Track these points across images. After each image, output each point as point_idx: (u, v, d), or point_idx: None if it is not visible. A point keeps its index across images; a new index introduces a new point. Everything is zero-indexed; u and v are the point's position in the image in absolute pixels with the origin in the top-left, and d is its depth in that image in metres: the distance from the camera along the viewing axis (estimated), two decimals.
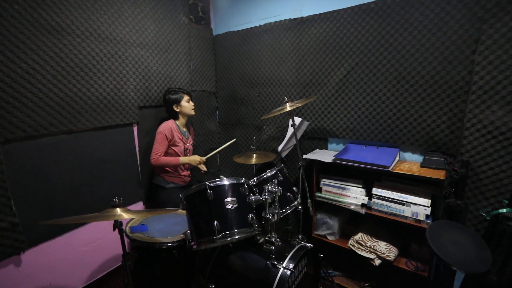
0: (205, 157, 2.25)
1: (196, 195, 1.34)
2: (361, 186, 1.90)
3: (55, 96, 1.66)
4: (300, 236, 2.01)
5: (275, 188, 1.47)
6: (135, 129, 2.18)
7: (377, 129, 1.98)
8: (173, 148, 2.16)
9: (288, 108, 1.87)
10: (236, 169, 2.98)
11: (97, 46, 1.84)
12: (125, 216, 1.17)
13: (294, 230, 2.28)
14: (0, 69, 1.43)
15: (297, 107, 2.29)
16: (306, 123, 2.24)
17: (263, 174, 1.65)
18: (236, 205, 1.31)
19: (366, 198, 1.86)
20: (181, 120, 2.24)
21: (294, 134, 1.95)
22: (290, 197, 1.66)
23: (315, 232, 2.14)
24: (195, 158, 2.17)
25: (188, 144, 2.27)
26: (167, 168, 2.16)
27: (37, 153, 1.61)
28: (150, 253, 1.45)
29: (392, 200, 1.72)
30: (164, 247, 1.45)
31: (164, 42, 2.32)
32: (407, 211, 1.67)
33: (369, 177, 1.90)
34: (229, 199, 1.31)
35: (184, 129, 2.28)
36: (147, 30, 2.17)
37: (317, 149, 2.29)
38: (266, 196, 1.40)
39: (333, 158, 1.91)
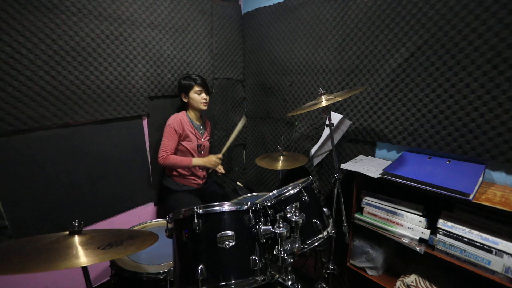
0: (221, 153, 1.91)
1: (182, 222, 0.99)
2: (420, 213, 1.37)
3: (47, 85, 1.45)
4: (331, 267, 1.58)
5: (296, 215, 1.06)
6: (145, 122, 1.92)
7: (450, 134, 1.41)
8: (185, 144, 1.86)
9: (324, 103, 1.40)
10: (259, 173, 2.60)
11: (98, 27, 1.58)
12: (86, 261, 0.82)
13: (324, 255, 1.84)
14: None
15: (336, 102, 1.80)
16: (347, 123, 1.74)
17: (283, 191, 1.25)
18: (233, 243, 0.93)
19: (428, 231, 1.33)
20: (192, 113, 1.92)
21: (330, 136, 1.48)
22: (317, 225, 1.23)
23: (351, 262, 1.68)
24: (210, 159, 1.84)
25: (203, 140, 1.96)
26: (178, 169, 1.89)
27: (27, 149, 1.43)
28: (134, 285, 1.17)
29: (471, 242, 1.18)
30: (154, 277, 1.15)
31: (181, 21, 1.99)
32: (495, 263, 1.12)
33: (434, 203, 1.36)
34: (224, 233, 0.93)
35: (198, 123, 1.96)
36: (159, 8, 1.85)
37: (361, 156, 1.79)
38: (281, 230, 1.00)
39: (383, 172, 1.41)
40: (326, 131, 1.87)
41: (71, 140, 1.59)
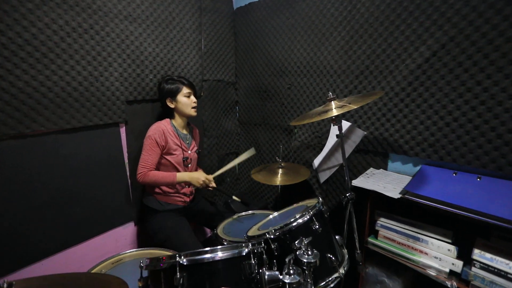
0: (213, 175, 1.65)
1: (160, 274, 0.74)
2: (449, 241, 1.16)
3: None
4: None
5: (308, 254, 0.83)
6: (122, 130, 1.65)
7: (481, 147, 1.21)
8: (168, 157, 1.59)
9: (335, 111, 1.18)
10: (254, 184, 2.36)
11: (61, 16, 1.31)
12: None
13: None
14: None
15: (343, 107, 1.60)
16: (359, 133, 1.52)
17: (289, 220, 1.01)
18: None
19: (460, 263, 1.12)
20: (178, 120, 1.66)
21: (340, 148, 1.26)
22: (331, 261, 0.99)
23: None
24: (198, 178, 1.57)
25: (190, 152, 1.70)
26: (161, 186, 1.62)
27: None
28: None
29: None
30: None
31: (164, 14, 1.73)
32: None
33: (465, 228, 1.15)
34: None
35: (184, 132, 1.70)
36: None
37: (372, 169, 1.57)
38: (292, 278, 0.76)
39: (403, 191, 1.20)
40: (331, 140, 1.66)
41: (28, 154, 1.30)
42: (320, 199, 1.15)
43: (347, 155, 1.55)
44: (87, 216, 1.53)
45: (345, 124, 1.55)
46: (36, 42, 1.25)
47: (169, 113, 1.65)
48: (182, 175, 1.57)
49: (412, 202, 1.15)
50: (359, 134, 1.50)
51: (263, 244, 0.91)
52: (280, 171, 1.73)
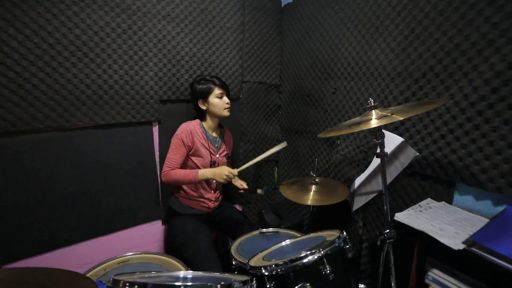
0: (238, 170, 1.53)
1: None
2: None
3: (40, 83, 1.28)
4: None
5: None
6: (155, 129, 1.67)
7: None
8: (194, 159, 1.54)
9: (374, 122, 0.93)
10: (284, 203, 2.14)
11: (102, 18, 1.38)
12: None
13: None
14: None
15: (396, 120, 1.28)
16: (410, 153, 1.20)
17: (295, 257, 0.81)
18: None
19: None
20: (209, 122, 1.59)
21: (382, 171, 0.99)
22: None
23: None
24: (221, 171, 1.47)
25: (218, 156, 1.61)
26: (184, 186, 1.58)
27: (16, 153, 1.29)
28: None
29: None
30: None
31: (204, 14, 1.70)
32: None
33: None
34: None
35: (214, 134, 1.63)
36: None
37: (429, 200, 1.21)
38: None
39: (469, 240, 0.86)
40: (375, 162, 1.35)
41: (67, 146, 1.40)
42: (343, 233, 0.91)
43: (389, 180, 1.23)
44: (115, 209, 1.59)
45: (395, 140, 1.23)
46: (79, 42, 1.34)
47: (200, 115, 1.60)
48: (204, 172, 1.49)
49: (483, 260, 0.80)
50: (409, 154, 1.17)
51: (254, 282, 0.74)
52: (313, 188, 1.50)
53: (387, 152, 1.02)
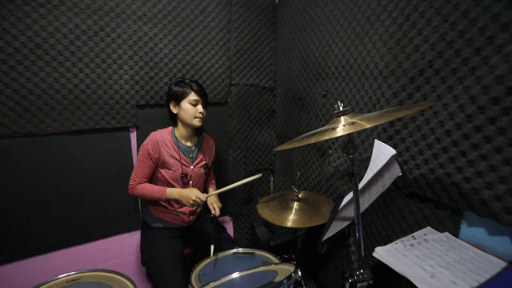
0: (207, 195, 1.40)
1: None
2: None
3: (5, 88, 1.26)
4: None
5: None
6: (133, 135, 1.59)
7: None
8: (163, 171, 1.43)
9: (339, 132, 0.73)
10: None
11: (71, 20, 1.33)
12: None
13: None
14: None
15: (377, 127, 1.07)
16: (396, 172, 0.97)
17: None
18: None
19: None
20: (181, 130, 1.47)
21: (354, 193, 0.79)
22: None
23: None
24: (189, 194, 1.34)
25: (192, 167, 1.48)
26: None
27: None
28: None
29: None
30: None
31: (185, 12, 1.60)
32: None
33: None
34: None
35: (189, 144, 1.50)
36: None
37: (429, 229, 0.97)
38: None
39: None
40: (369, 172, 1.13)
41: (37, 152, 1.37)
42: (297, 273, 0.72)
43: (367, 205, 1.00)
44: (92, 218, 1.54)
45: (387, 152, 1.00)
46: (46, 45, 1.30)
47: (173, 120, 1.49)
48: (172, 192, 1.37)
49: None
50: (393, 172, 0.94)
51: None
52: (295, 205, 1.31)
53: (379, 165, 0.81)
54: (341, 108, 0.79)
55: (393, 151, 0.99)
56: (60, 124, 1.38)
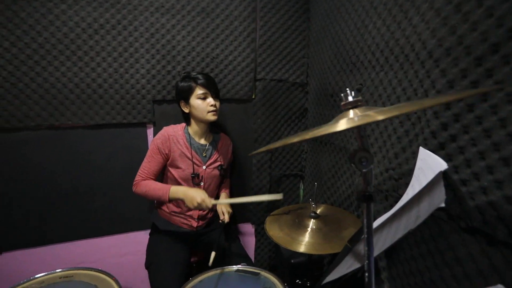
0: (214, 202, 1.24)
1: None
2: None
3: (31, 82, 1.31)
4: None
5: None
6: (149, 131, 1.55)
7: None
8: (172, 170, 1.33)
9: (341, 125, 0.50)
10: None
11: (90, 14, 1.33)
12: None
13: None
14: None
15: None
16: (438, 199, 0.65)
17: None
18: None
19: None
20: (195, 127, 1.35)
21: (366, 221, 0.54)
22: None
23: None
24: (194, 195, 1.21)
25: (205, 167, 1.36)
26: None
27: (11, 148, 1.35)
28: None
29: None
30: None
31: (205, 2, 1.48)
32: None
33: None
34: None
35: (203, 141, 1.38)
36: None
37: (500, 287, 0.63)
38: None
39: None
40: (410, 193, 0.83)
41: (59, 145, 1.41)
42: None
43: (388, 243, 0.70)
44: (106, 213, 1.54)
45: (435, 165, 0.70)
46: (67, 40, 1.32)
47: (186, 118, 1.38)
48: (177, 190, 1.26)
49: None
50: (435, 200, 0.63)
51: None
52: (311, 224, 1.07)
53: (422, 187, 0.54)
54: (350, 98, 0.54)
55: (443, 165, 0.69)
56: (79, 118, 1.40)
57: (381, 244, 0.76)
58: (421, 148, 0.83)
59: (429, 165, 0.77)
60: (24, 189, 1.39)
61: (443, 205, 0.65)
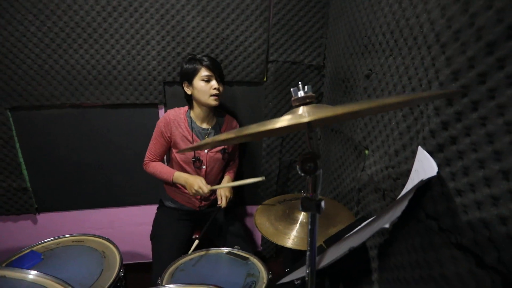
0: (211, 188, 1.27)
1: None
2: None
3: (55, 64, 1.42)
4: None
5: None
6: (161, 112, 1.60)
7: None
8: (175, 153, 1.38)
9: (285, 121, 0.45)
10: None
11: None
12: None
13: None
14: None
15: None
16: (397, 210, 0.56)
17: None
18: None
19: None
20: (197, 110, 1.36)
21: (310, 229, 0.51)
22: None
23: None
24: (193, 182, 1.26)
25: (207, 151, 1.38)
26: None
27: (43, 123, 1.52)
28: None
29: None
30: None
31: None
32: None
33: None
34: None
35: (205, 125, 1.39)
36: None
37: None
38: None
39: None
40: (404, 192, 0.77)
41: (81, 121, 1.55)
42: None
43: (358, 242, 0.63)
44: (125, 185, 1.68)
45: (429, 168, 0.62)
46: (84, 24, 1.39)
47: (189, 101, 1.39)
48: (179, 176, 1.32)
49: None
50: (397, 209, 0.54)
51: None
52: (300, 217, 1.04)
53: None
54: (300, 94, 0.48)
55: (434, 169, 0.60)
56: (96, 97, 1.50)
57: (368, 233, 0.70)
58: (420, 149, 0.73)
59: (423, 168, 0.68)
60: (55, 161, 1.57)
61: (396, 217, 0.57)
